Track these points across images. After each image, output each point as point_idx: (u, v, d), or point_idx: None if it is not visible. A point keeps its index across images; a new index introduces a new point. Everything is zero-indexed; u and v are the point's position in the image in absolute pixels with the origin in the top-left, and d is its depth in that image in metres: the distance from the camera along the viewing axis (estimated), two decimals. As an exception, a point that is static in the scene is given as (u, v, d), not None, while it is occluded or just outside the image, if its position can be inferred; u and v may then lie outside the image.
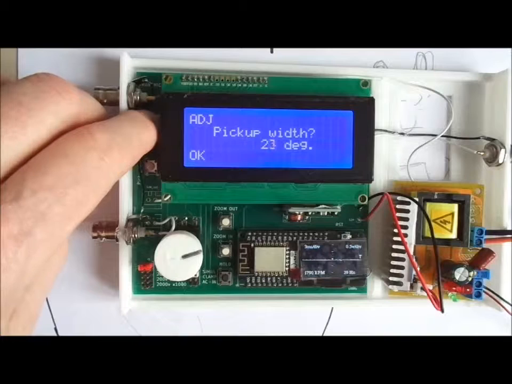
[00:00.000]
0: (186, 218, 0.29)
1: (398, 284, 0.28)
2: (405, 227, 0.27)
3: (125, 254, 0.27)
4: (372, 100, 0.26)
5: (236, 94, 0.27)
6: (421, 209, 0.27)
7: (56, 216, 0.17)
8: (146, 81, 0.28)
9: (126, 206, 0.27)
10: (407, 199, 0.27)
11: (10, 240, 0.15)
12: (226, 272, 0.28)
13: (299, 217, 0.28)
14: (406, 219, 0.28)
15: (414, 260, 0.27)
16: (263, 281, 0.28)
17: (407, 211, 0.28)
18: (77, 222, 0.18)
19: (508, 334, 0.31)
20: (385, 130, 0.30)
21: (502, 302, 0.29)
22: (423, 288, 0.27)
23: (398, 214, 0.27)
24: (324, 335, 0.30)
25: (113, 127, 0.21)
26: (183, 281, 0.28)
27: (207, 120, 0.26)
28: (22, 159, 0.17)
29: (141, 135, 0.23)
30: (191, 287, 0.29)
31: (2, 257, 0.15)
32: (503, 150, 0.29)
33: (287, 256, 0.28)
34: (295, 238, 0.28)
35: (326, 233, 0.28)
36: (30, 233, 0.16)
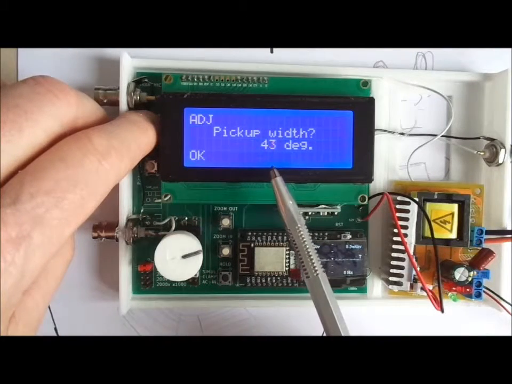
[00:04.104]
0: (186, 218, 0.29)
1: (398, 283, 0.28)
2: (405, 227, 0.27)
3: (125, 254, 0.27)
4: (371, 100, 0.26)
5: (236, 94, 0.27)
6: (421, 209, 0.27)
7: (54, 220, 0.17)
8: (146, 81, 0.28)
9: (126, 206, 0.27)
10: (407, 199, 0.27)
11: (8, 243, 0.15)
12: (226, 272, 0.28)
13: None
14: (406, 219, 0.28)
15: (414, 260, 0.27)
16: (263, 281, 0.28)
17: (407, 211, 0.28)
18: (75, 226, 0.18)
19: (508, 334, 0.31)
20: (385, 130, 0.30)
21: (502, 302, 0.29)
22: (423, 288, 0.27)
23: (398, 214, 0.27)
24: (324, 335, 0.30)
25: (112, 131, 0.21)
26: (183, 281, 0.28)
27: (207, 120, 0.26)
28: (21, 163, 0.17)
29: (140, 139, 0.23)
30: (191, 287, 0.29)
31: (1, 260, 0.15)
32: (503, 150, 0.29)
33: (287, 256, 0.28)
34: (295, 238, 0.28)
35: (326, 233, 0.28)
36: (28, 237, 0.16)
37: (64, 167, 0.18)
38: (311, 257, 0.23)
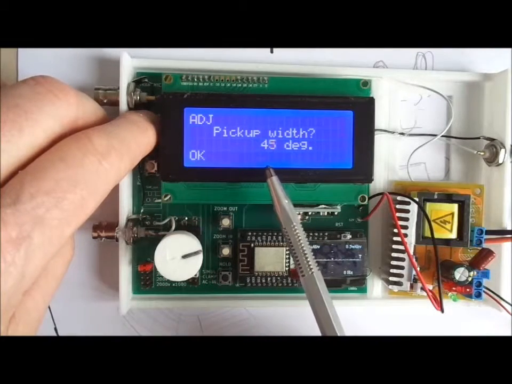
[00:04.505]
0: (186, 218, 0.29)
1: (398, 283, 0.28)
2: (405, 227, 0.27)
3: (125, 254, 0.27)
4: (371, 100, 0.26)
5: (236, 94, 0.27)
6: (421, 209, 0.27)
7: (54, 220, 0.17)
8: (146, 81, 0.28)
9: (126, 206, 0.27)
10: (407, 199, 0.27)
11: (8, 244, 0.15)
12: (226, 272, 0.28)
13: (299, 217, 0.28)
14: (406, 219, 0.28)
15: (414, 260, 0.27)
16: (263, 281, 0.28)
17: (407, 211, 0.28)
18: (75, 226, 0.18)
19: (508, 334, 0.31)
20: (385, 130, 0.30)
21: (502, 302, 0.29)
22: (423, 288, 0.27)
23: (398, 214, 0.27)
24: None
25: (112, 131, 0.21)
26: (183, 281, 0.28)
27: (207, 120, 0.26)
28: (21, 163, 0.17)
29: (140, 139, 0.23)
30: (191, 287, 0.29)
31: (1, 261, 0.15)
32: (503, 150, 0.29)
33: (287, 256, 0.28)
34: (295, 238, 0.28)
35: (326, 233, 0.28)
36: (28, 237, 0.16)
37: (64, 167, 0.18)
38: (306, 255, 0.23)
